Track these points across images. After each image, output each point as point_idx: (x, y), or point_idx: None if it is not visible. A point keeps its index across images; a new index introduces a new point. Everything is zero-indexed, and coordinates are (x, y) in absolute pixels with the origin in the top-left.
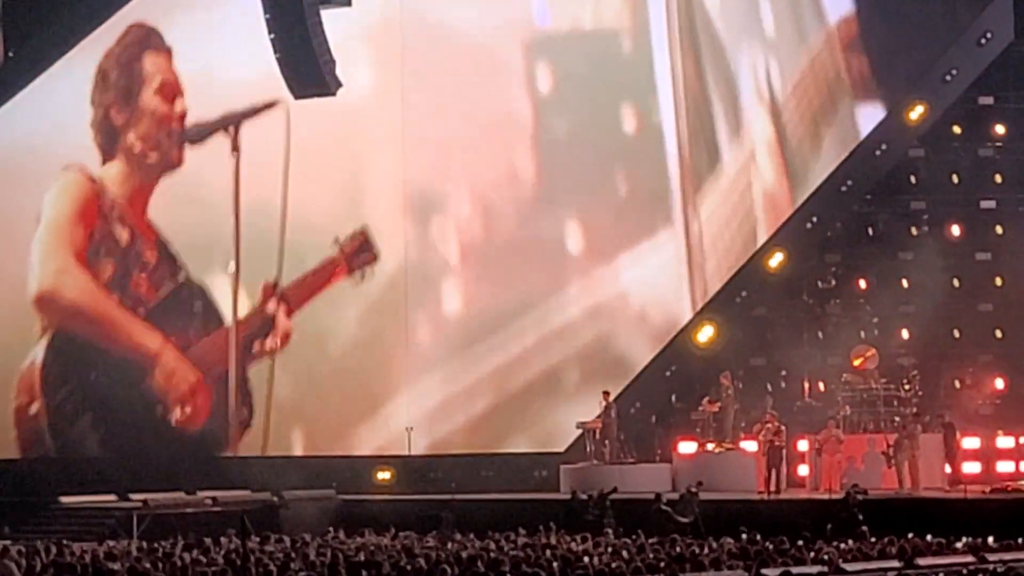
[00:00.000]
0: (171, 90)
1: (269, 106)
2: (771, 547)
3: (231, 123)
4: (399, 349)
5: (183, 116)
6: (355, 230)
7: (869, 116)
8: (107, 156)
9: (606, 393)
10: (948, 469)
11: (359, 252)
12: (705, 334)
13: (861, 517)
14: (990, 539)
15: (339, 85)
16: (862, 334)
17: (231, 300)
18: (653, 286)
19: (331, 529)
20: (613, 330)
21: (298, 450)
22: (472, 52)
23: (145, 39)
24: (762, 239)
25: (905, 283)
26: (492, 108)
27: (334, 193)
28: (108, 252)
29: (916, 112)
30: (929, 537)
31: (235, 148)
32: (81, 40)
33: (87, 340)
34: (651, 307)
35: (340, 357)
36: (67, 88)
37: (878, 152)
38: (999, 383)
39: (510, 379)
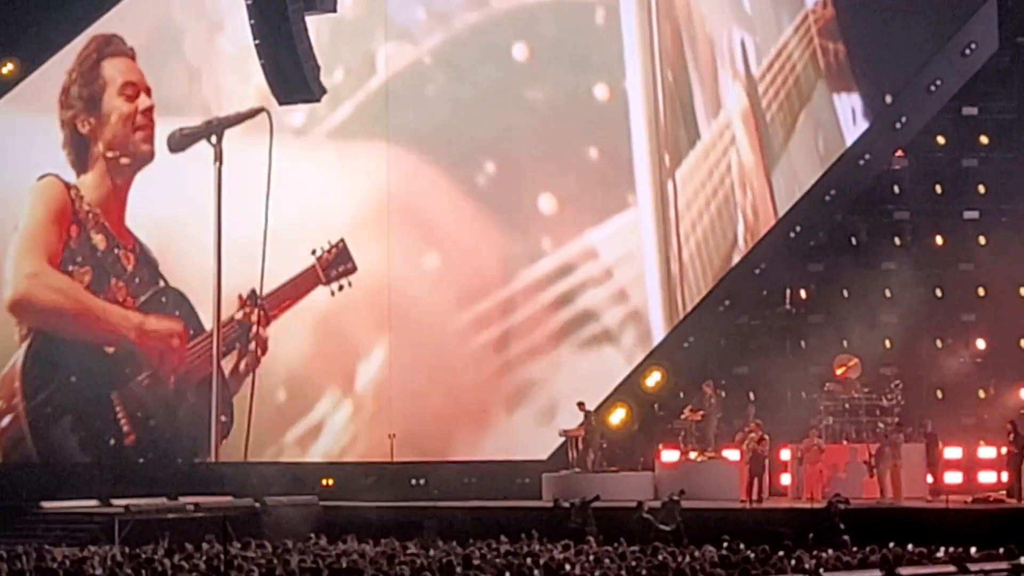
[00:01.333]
0: (134, 88)
1: (253, 114)
2: (753, 556)
3: (214, 131)
4: (382, 355)
5: (150, 110)
6: (333, 242)
7: (852, 124)
8: (81, 170)
9: (581, 404)
10: (930, 479)
11: (336, 263)
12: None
13: (843, 526)
14: (972, 549)
15: (324, 91)
16: (845, 343)
17: (212, 308)
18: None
19: (313, 535)
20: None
21: (279, 456)
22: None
23: (104, 46)
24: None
25: (888, 293)
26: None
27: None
28: (85, 259)
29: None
30: (910, 547)
31: (218, 157)
32: (54, 55)
33: (66, 341)
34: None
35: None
36: (43, 102)
37: (861, 162)
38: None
39: (496, 384)
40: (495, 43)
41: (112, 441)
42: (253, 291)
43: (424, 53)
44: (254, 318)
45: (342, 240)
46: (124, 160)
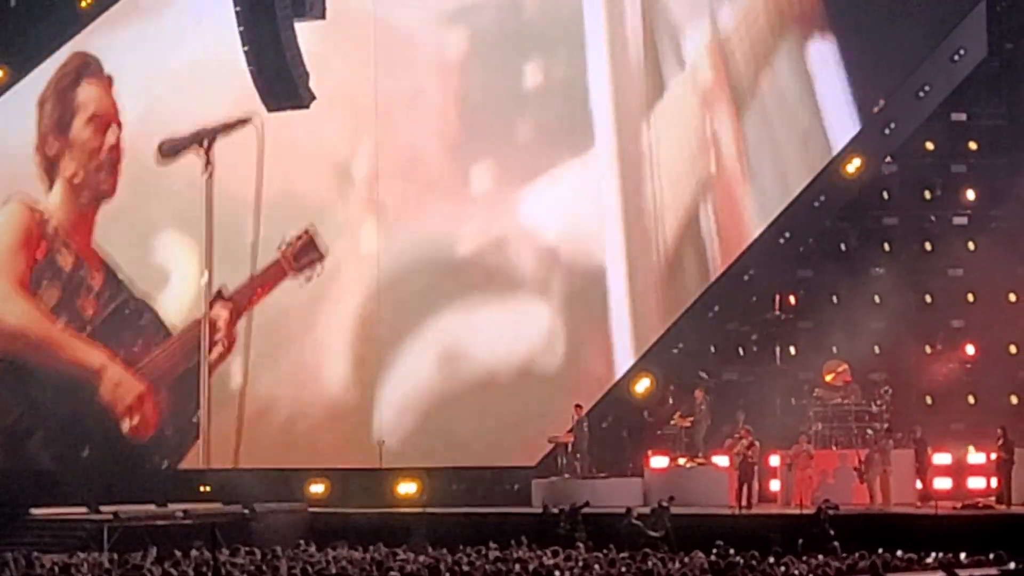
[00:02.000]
0: (103, 121)
1: (242, 122)
2: (742, 562)
3: (204, 138)
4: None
5: (116, 146)
6: (299, 231)
7: (841, 130)
8: (48, 186)
9: (578, 406)
10: (919, 485)
11: (304, 252)
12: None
13: (832, 532)
14: (961, 555)
15: (313, 98)
16: (834, 349)
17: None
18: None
19: (302, 542)
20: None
21: (266, 462)
22: None
23: (82, 67)
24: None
25: (877, 299)
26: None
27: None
28: (53, 278)
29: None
30: (900, 553)
31: (208, 164)
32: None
33: (32, 364)
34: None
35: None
36: (17, 115)
37: (850, 167)
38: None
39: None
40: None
41: (86, 451)
42: (219, 290)
43: None
44: (224, 315)
45: (307, 230)
46: (86, 192)
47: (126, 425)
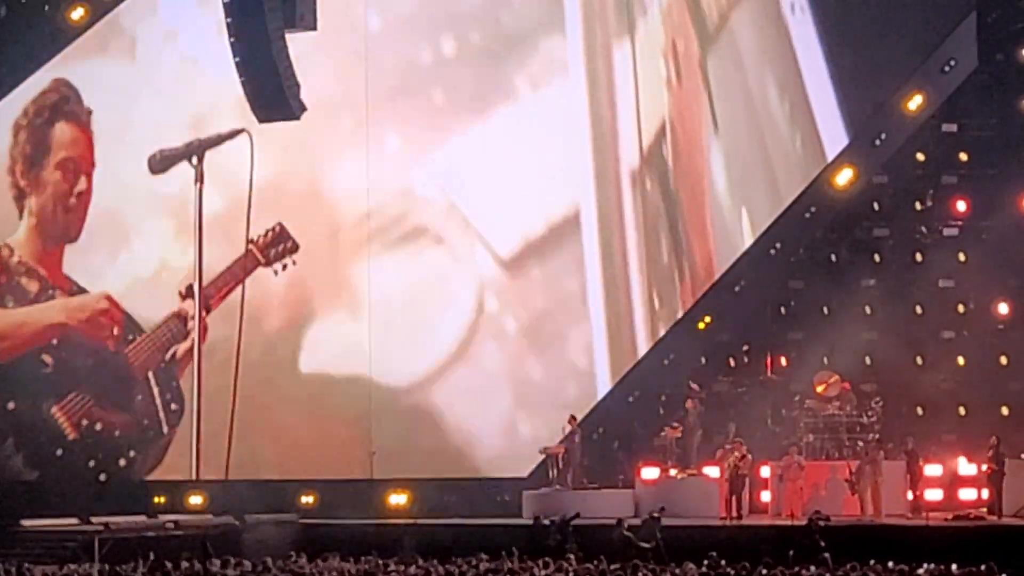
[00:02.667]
0: (75, 166)
1: (234, 134)
2: (733, 573)
3: (195, 152)
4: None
5: (85, 194)
6: (270, 226)
7: (834, 140)
8: (20, 212)
9: (572, 418)
10: (910, 496)
11: (275, 243)
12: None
13: (823, 543)
14: (952, 566)
15: (304, 109)
16: (825, 361)
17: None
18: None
19: (293, 553)
20: None
21: (259, 473)
22: None
23: (62, 103)
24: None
25: (867, 310)
26: None
27: None
28: (17, 301)
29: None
30: (891, 564)
31: (199, 178)
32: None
33: (3, 368)
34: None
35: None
36: None
37: (841, 180)
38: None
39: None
40: None
41: (59, 452)
42: (190, 285)
43: None
44: (194, 309)
45: (279, 224)
46: (51, 232)
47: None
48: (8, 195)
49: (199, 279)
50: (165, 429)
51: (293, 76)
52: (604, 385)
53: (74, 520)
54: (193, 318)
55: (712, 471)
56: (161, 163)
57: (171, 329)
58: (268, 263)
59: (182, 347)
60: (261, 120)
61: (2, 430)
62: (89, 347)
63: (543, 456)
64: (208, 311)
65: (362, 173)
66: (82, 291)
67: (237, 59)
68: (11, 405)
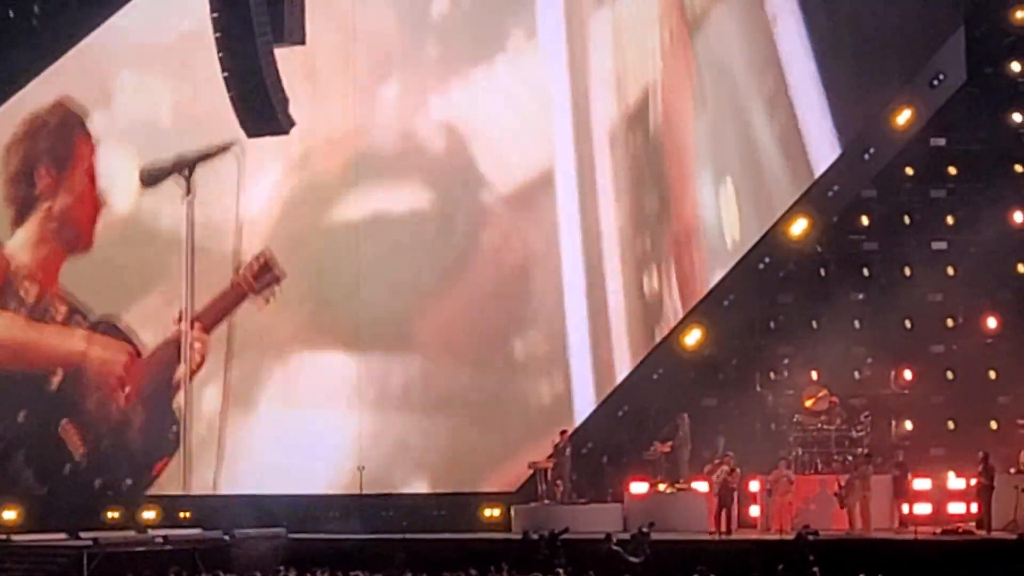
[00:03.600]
0: (94, 177)
1: (223, 149)
2: None
3: (185, 166)
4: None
5: (101, 205)
6: (256, 254)
7: (823, 156)
8: (18, 219)
9: (563, 432)
10: (900, 510)
11: (262, 274)
12: (693, 337)
13: (812, 558)
14: None
15: (292, 124)
16: (814, 375)
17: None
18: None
19: (282, 568)
20: None
21: (248, 487)
22: None
23: (80, 120)
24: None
25: (857, 324)
26: None
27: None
28: (17, 306)
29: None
30: None
31: (188, 192)
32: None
33: (10, 378)
34: None
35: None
36: None
37: (830, 193)
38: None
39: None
40: None
41: (67, 468)
42: (186, 309)
43: None
44: (192, 334)
45: (264, 251)
46: (68, 238)
47: (120, 400)
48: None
49: (190, 294)
50: (163, 452)
51: (282, 91)
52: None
53: (63, 535)
54: (191, 342)
55: (701, 486)
56: (151, 176)
57: (169, 353)
58: (256, 292)
59: (181, 371)
60: (250, 135)
61: (13, 442)
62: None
63: (532, 471)
64: (205, 335)
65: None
66: (77, 306)
67: (226, 73)
68: (21, 417)
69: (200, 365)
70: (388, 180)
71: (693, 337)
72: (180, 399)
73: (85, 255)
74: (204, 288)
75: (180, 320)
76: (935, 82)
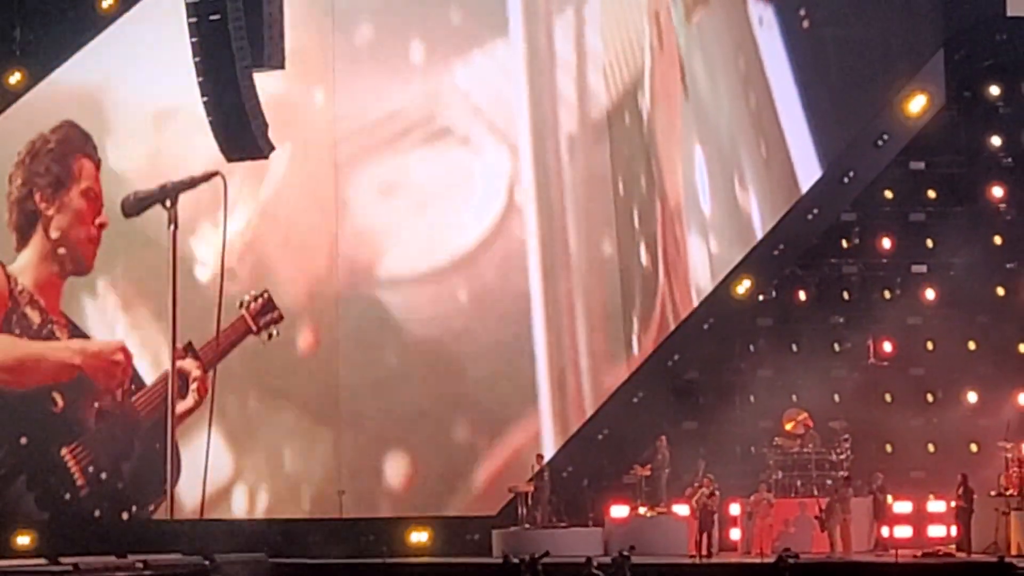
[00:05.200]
0: (96, 197)
1: (207, 177)
2: None
3: (169, 195)
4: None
5: (102, 227)
6: (257, 292)
7: (808, 175)
8: (21, 241)
9: (539, 456)
10: (880, 532)
11: (263, 312)
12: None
13: None
14: None
15: (272, 148)
16: (794, 398)
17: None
18: None
19: None
20: None
21: (235, 512)
22: None
23: (82, 141)
24: None
25: (836, 347)
26: None
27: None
28: (23, 331)
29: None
30: None
31: (172, 221)
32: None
33: (13, 401)
34: None
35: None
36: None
37: (810, 216)
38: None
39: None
40: None
41: (67, 496)
42: (190, 342)
43: None
44: (195, 369)
45: (266, 291)
46: (67, 259)
47: (118, 396)
48: (5, 218)
49: (173, 323)
50: (164, 486)
51: (261, 115)
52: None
53: (42, 560)
54: (194, 377)
55: (681, 509)
56: (135, 205)
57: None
58: (258, 331)
59: (182, 405)
60: (229, 159)
61: (14, 467)
62: (98, 393)
63: (512, 495)
64: (207, 371)
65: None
66: (78, 330)
67: (205, 98)
68: (24, 440)
69: (198, 404)
70: None
71: (673, 359)
72: (181, 431)
73: (85, 278)
74: (194, 318)
75: (184, 356)
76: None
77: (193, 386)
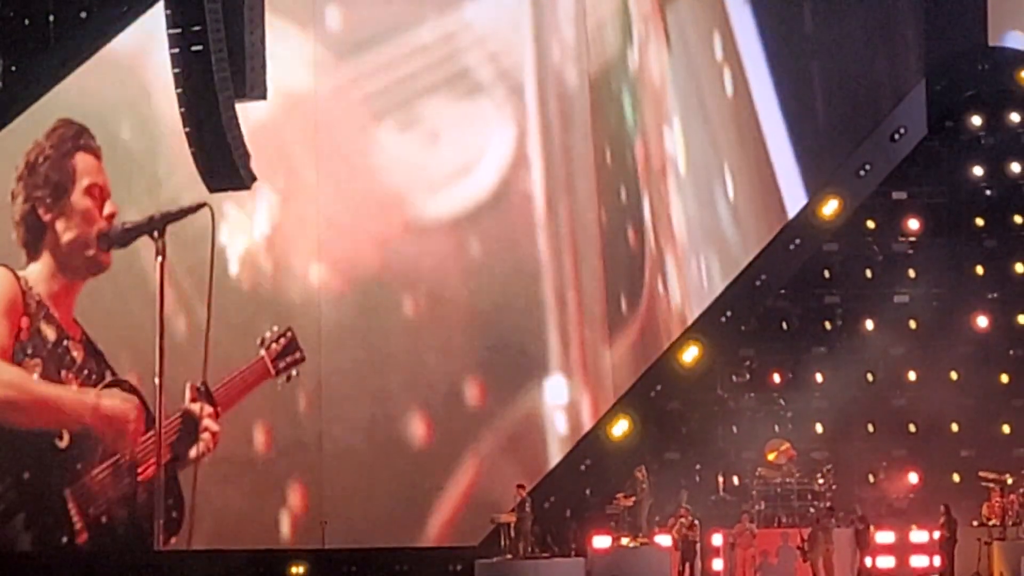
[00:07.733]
0: (100, 191)
1: (195, 208)
2: None
3: (156, 227)
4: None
5: (112, 217)
6: (280, 329)
7: (794, 200)
8: (31, 255)
9: (520, 487)
10: (863, 563)
11: (285, 354)
12: (620, 428)
13: None
14: None
15: (254, 179)
16: (776, 428)
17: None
18: None
19: None
20: None
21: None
22: None
23: (76, 137)
24: None
25: (819, 377)
26: None
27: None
28: (36, 351)
29: (829, 207)
30: None
31: (160, 252)
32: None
33: (19, 435)
34: None
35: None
36: None
37: (792, 246)
38: (913, 478)
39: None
40: None
41: (64, 539)
42: (205, 383)
43: None
44: (205, 411)
45: (289, 328)
46: (78, 259)
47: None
48: (13, 235)
49: (160, 354)
50: (162, 536)
51: (243, 146)
52: None
53: None
54: (205, 427)
55: (664, 539)
56: (122, 237)
57: (178, 429)
58: (276, 374)
59: (191, 452)
60: (211, 190)
61: (14, 503)
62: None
63: (494, 525)
64: (217, 416)
65: None
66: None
67: (187, 129)
68: (26, 475)
69: (210, 451)
70: None
71: (656, 389)
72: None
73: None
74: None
75: (197, 398)
76: (896, 136)
77: (204, 435)
